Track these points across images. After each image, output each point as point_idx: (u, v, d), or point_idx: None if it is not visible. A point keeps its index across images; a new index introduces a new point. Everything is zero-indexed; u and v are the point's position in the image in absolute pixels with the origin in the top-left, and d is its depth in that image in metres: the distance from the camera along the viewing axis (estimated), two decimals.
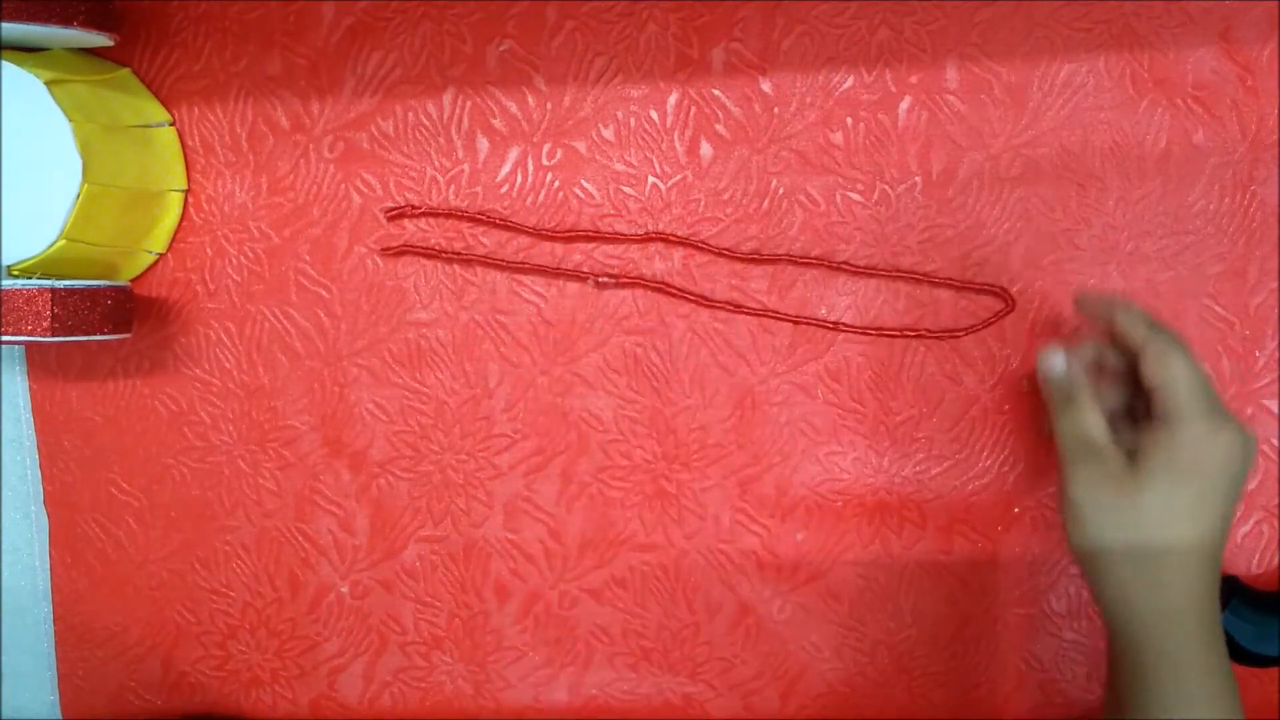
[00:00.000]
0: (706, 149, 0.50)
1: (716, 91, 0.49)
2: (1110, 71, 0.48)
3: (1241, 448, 0.39)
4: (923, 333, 0.49)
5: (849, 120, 0.49)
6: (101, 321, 0.46)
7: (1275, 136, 0.48)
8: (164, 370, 0.53)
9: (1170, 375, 0.40)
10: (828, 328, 0.50)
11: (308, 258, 0.52)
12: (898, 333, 0.49)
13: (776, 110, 0.49)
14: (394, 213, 0.51)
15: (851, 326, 0.50)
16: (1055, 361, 0.43)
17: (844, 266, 0.49)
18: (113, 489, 0.54)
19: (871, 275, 0.49)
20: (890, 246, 0.49)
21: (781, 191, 0.49)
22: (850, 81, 0.49)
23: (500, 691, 0.53)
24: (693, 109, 0.50)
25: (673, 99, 0.50)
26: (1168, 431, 0.39)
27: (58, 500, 0.54)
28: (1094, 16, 0.47)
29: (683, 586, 0.52)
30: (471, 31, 0.50)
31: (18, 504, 0.55)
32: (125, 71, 0.51)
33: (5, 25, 0.43)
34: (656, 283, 0.50)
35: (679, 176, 0.50)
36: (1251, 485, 0.49)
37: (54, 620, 0.55)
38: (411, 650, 0.54)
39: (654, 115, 0.50)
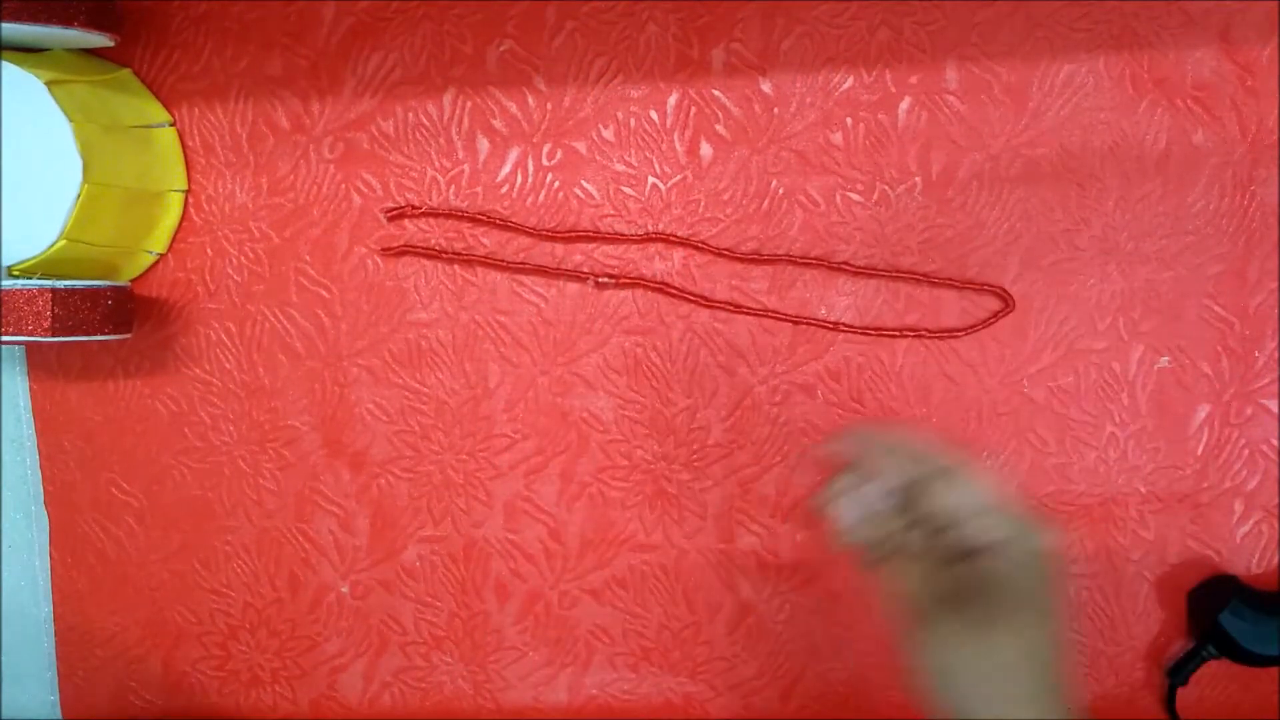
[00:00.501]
0: (706, 149, 0.50)
1: (716, 92, 0.49)
2: (1110, 72, 0.48)
3: (1036, 546, 0.37)
4: (922, 333, 0.49)
5: (849, 120, 0.49)
6: (102, 322, 0.46)
7: (1275, 137, 0.48)
8: (164, 370, 0.53)
9: (952, 506, 0.37)
10: (827, 328, 0.50)
11: (308, 258, 0.52)
12: (897, 333, 0.49)
13: (776, 111, 0.49)
14: (394, 213, 0.51)
15: (851, 327, 0.50)
16: (849, 512, 0.38)
17: (844, 267, 0.49)
18: (113, 489, 0.54)
19: (871, 275, 0.49)
20: (890, 247, 0.49)
21: (781, 192, 0.49)
22: (850, 82, 0.49)
23: (500, 691, 0.53)
24: (693, 109, 0.50)
25: (673, 99, 0.50)
26: (983, 569, 0.37)
27: (58, 500, 0.54)
28: (1094, 17, 0.47)
29: (683, 586, 0.52)
30: (472, 32, 0.50)
31: (18, 504, 0.55)
32: (126, 72, 0.51)
33: (5, 25, 0.43)
34: (657, 283, 0.50)
35: (679, 177, 0.50)
36: (1251, 485, 0.49)
37: (54, 620, 0.55)
38: (412, 650, 0.54)
39: (654, 115, 0.50)
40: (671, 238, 0.50)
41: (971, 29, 0.48)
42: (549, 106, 0.50)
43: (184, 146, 0.52)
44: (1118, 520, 0.50)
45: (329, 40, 0.51)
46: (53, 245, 0.46)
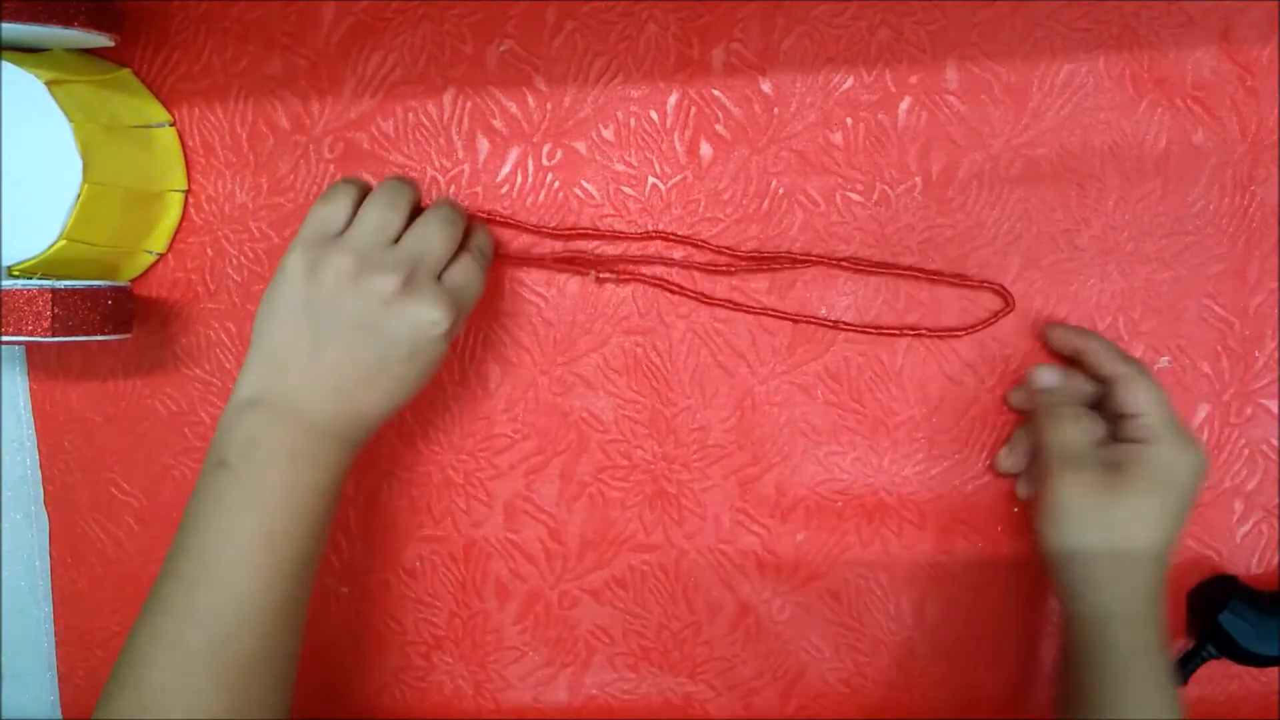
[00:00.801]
0: (706, 149, 0.50)
1: (716, 92, 0.49)
2: (1110, 71, 0.48)
3: (1200, 467, 0.44)
4: (922, 332, 0.49)
5: (849, 120, 0.49)
6: (102, 322, 0.46)
7: (1275, 137, 0.48)
8: (164, 370, 0.53)
9: (1145, 401, 0.44)
10: (827, 326, 0.50)
11: None
12: (898, 332, 0.49)
13: (776, 110, 0.49)
14: None
15: (851, 325, 0.50)
16: (1050, 376, 0.47)
17: (843, 265, 0.49)
18: (113, 489, 0.54)
19: (871, 273, 0.49)
20: (890, 247, 0.49)
21: (781, 192, 0.49)
22: (850, 82, 0.49)
23: (500, 691, 0.53)
24: (693, 109, 0.50)
25: (673, 99, 0.50)
26: (1144, 448, 0.43)
27: (58, 500, 0.54)
28: (1094, 16, 0.47)
29: (683, 586, 0.52)
30: (472, 32, 0.50)
31: (18, 504, 0.55)
32: (125, 72, 0.51)
33: (5, 25, 0.43)
34: (657, 280, 0.50)
35: (679, 177, 0.50)
36: (1251, 485, 0.49)
37: (54, 620, 0.55)
38: (411, 650, 0.54)
39: (654, 115, 0.50)
40: (671, 236, 0.50)
41: (971, 29, 0.48)
42: (549, 106, 0.50)
43: (184, 146, 0.52)
44: None
45: (329, 40, 0.51)
46: (53, 245, 0.46)
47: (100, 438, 0.54)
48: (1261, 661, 0.48)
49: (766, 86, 0.49)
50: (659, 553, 0.52)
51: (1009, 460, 0.49)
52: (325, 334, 0.41)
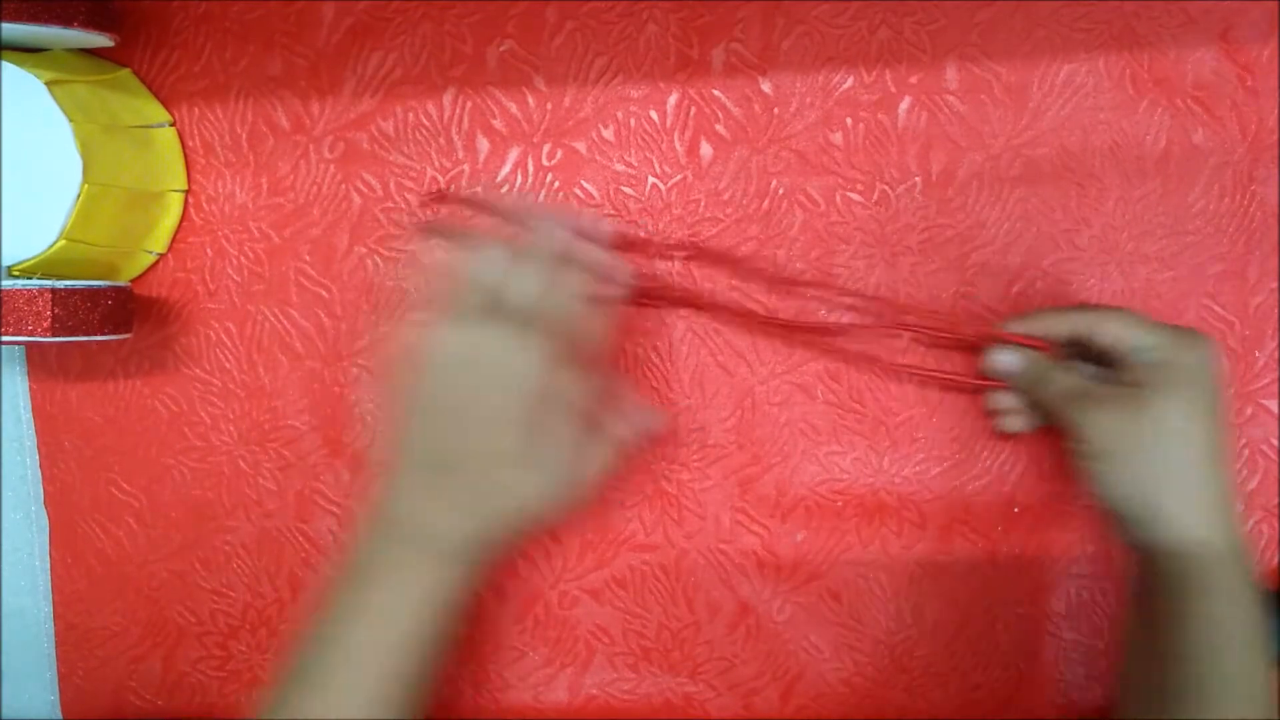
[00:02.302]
0: (706, 149, 0.50)
1: (716, 92, 0.49)
2: (1110, 71, 0.48)
3: (1208, 352, 0.42)
4: (958, 378, 0.49)
5: (849, 120, 0.49)
6: (102, 322, 0.46)
7: (1275, 137, 0.48)
8: (164, 370, 0.53)
9: (1124, 323, 0.42)
10: (832, 333, 0.50)
11: (308, 258, 0.52)
12: (940, 374, 0.49)
13: (776, 110, 0.49)
14: (433, 197, 0.50)
15: (904, 367, 0.49)
16: (1009, 357, 0.46)
17: (905, 327, 0.49)
18: (113, 489, 0.54)
19: (930, 335, 0.49)
20: (890, 247, 0.49)
21: (781, 192, 0.49)
22: (850, 82, 0.49)
23: (500, 691, 0.53)
24: (693, 109, 0.50)
25: (673, 99, 0.50)
26: (1146, 368, 0.41)
27: (58, 500, 0.54)
28: (1094, 17, 0.47)
29: (683, 586, 0.52)
30: (472, 32, 0.50)
31: (18, 504, 0.55)
32: (125, 72, 0.51)
33: (5, 25, 0.43)
34: (687, 297, 0.50)
35: (679, 177, 0.50)
36: (1251, 485, 0.49)
37: (54, 620, 0.55)
38: None
39: (654, 115, 0.50)
40: (708, 252, 0.49)
41: (971, 29, 0.48)
42: (549, 106, 0.50)
43: (184, 146, 0.52)
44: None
45: (329, 40, 0.51)
46: (52, 245, 0.46)
47: (100, 438, 0.54)
48: None
49: (766, 86, 0.49)
50: (659, 553, 0.52)
51: (1017, 421, 0.47)
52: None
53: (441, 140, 0.51)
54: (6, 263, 0.47)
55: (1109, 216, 0.49)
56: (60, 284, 0.45)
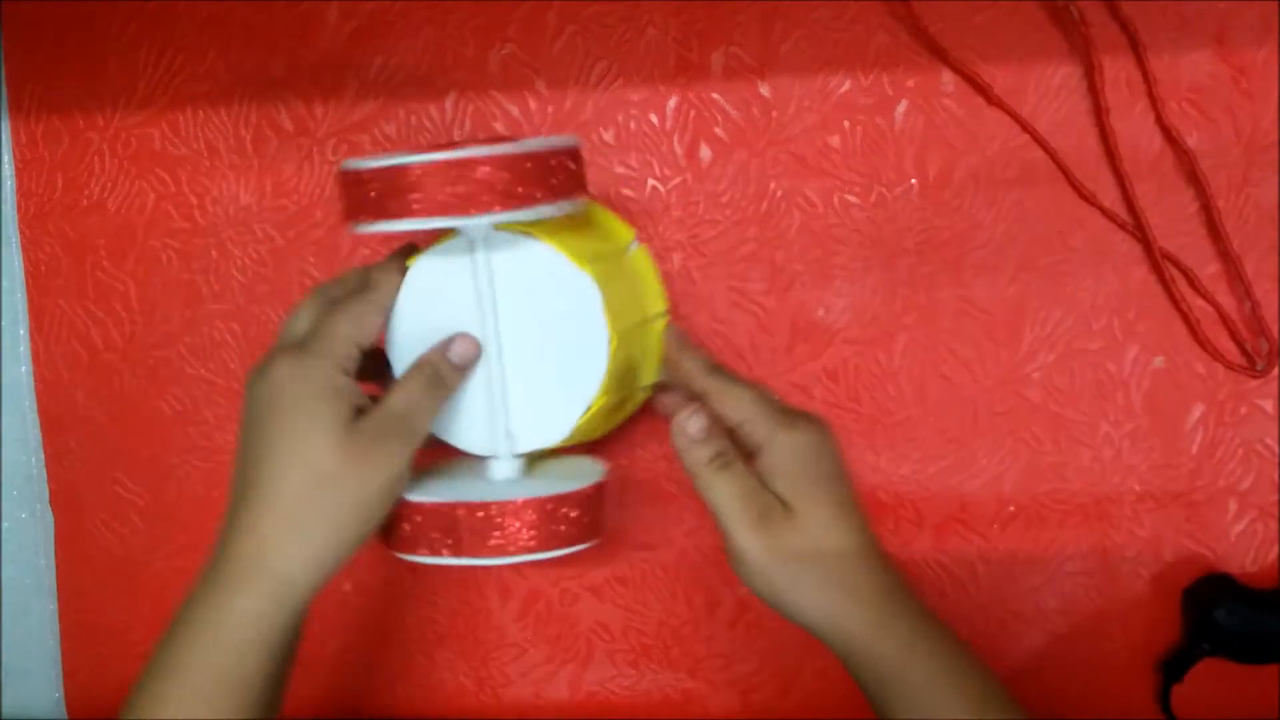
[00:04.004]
0: (706, 152, 0.50)
1: (716, 95, 0.50)
2: (1106, 74, 0.48)
3: (821, 431, 0.41)
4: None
5: (846, 123, 0.49)
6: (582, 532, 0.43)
7: (1271, 139, 0.48)
8: (169, 371, 0.54)
9: (743, 410, 0.41)
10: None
11: (312, 259, 0.52)
12: None
13: (775, 114, 0.50)
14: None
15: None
16: (698, 425, 0.41)
17: None
18: (118, 488, 0.54)
19: None
20: (887, 248, 0.50)
21: (780, 194, 0.50)
22: (848, 85, 0.49)
23: (501, 688, 0.54)
24: (692, 112, 0.50)
25: (672, 102, 0.50)
26: (770, 459, 0.40)
27: (63, 499, 0.55)
28: (1090, 19, 0.48)
29: (682, 584, 0.52)
30: (473, 35, 0.50)
31: (24, 503, 0.56)
32: (590, 203, 0.45)
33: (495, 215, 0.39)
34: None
35: (678, 179, 0.50)
36: (1246, 484, 0.49)
37: (59, 618, 0.56)
38: (414, 647, 0.54)
39: (654, 118, 0.50)
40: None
41: (968, 32, 0.48)
42: (550, 109, 0.51)
43: (189, 150, 0.52)
44: (1113, 519, 0.50)
45: (332, 44, 0.51)
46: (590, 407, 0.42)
47: (105, 437, 0.54)
48: (1257, 659, 0.48)
49: (765, 90, 0.50)
50: (659, 550, 0.52)
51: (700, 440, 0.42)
52: None
53: (443, 142, 0.51)
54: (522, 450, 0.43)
55: (1104, 218, 0.49)
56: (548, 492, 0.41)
